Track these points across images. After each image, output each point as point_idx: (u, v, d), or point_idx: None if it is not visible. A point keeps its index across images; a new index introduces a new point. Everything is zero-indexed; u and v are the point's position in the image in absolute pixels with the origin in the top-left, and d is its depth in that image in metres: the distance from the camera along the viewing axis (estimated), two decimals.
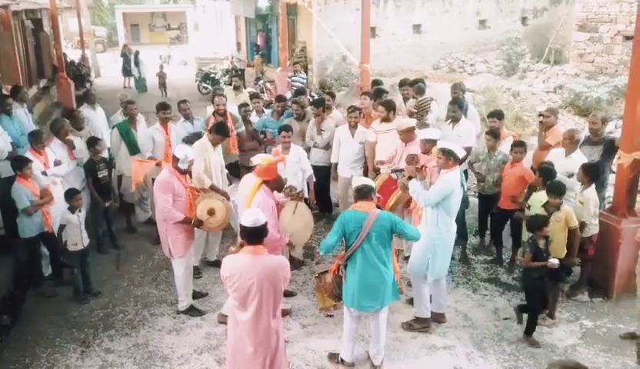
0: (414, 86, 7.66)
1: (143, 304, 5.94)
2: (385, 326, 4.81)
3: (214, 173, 6.45)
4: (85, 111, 8.43)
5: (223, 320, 5.30)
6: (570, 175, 5.97)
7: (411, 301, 5.71)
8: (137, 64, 19.96)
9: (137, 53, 20.22)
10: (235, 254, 3.90)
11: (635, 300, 5.23)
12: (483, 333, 5.34)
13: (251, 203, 4.93)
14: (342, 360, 4.85)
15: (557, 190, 5.41)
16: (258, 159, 5.24)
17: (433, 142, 5.55)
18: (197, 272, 6.27)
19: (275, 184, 5.05)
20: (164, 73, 19.27)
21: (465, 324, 5.46)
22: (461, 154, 5.16)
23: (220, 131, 6.49)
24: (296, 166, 6.66)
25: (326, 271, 4.97)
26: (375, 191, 4.75)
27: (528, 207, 5.84)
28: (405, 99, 7.59)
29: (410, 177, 5.23)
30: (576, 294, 5.88)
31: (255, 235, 3.75)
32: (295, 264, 6.42)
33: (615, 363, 4.91)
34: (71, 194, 5.95)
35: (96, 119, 8.51)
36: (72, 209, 5.89)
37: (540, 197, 5.68)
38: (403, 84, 7.73)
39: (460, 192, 5.12)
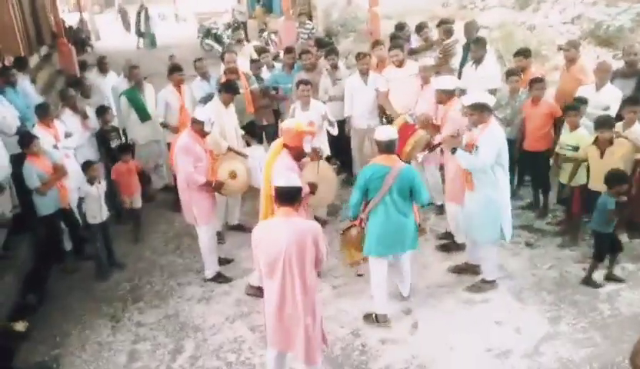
0: (442, 27, 7.27)
1: (169, 274, 5.84)
2: (409, 267, 4.91)
3: (228, 134, 6.20)
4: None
5: (251, 291, 5.21)
6: (605, 108, 5.67)
7: (441, 248, 5.78)
8: (147, 19, 19.56)
9: (146, 9, 19.67)
10: (266, 220, 3.75)
11: None
12: (520, 283, 5.17)
13: (272, 164, 4.69)
14: (377, 318, 4.76)
15: (606, 123, 5.15)
16: (292, 123, 4.93)
17: (449, 92, 5.30)
18: (219, 237, 6.11)
19: (295, 152, 4.77)
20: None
21: (501, 275, 5.25)
22: (490, 100, 4.82)
23: (229, 89, 6.26)
24: (320, 121, 6.22)
25: (350, 226, 4.90)
26: (397, 144, 4.63)
27: (574, 149, 5.52)
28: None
29: (454, 150, 4.80)
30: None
31: (288, 195, 3.64)
32: (320, 223, 6.23)
33: None
34: (87, 166, 5.77)
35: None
36: (91, 181, 5.71)
37: (582, 136, 5.40)
38: (441, 23, 7.41)
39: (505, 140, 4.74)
